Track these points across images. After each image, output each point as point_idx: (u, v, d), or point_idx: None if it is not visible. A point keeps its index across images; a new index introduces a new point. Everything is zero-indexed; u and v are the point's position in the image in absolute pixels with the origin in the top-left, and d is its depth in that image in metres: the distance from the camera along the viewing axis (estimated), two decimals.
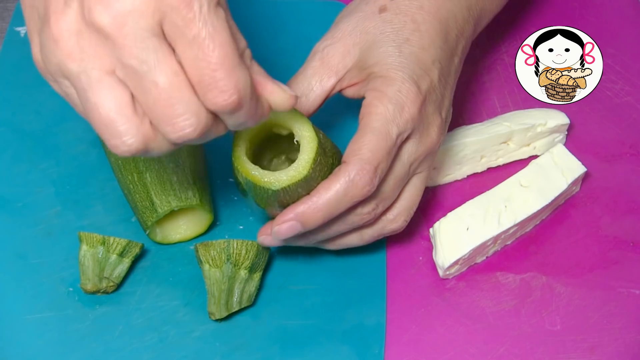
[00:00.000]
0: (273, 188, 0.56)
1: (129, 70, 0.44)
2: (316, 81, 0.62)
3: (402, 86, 0.58)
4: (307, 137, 0.57)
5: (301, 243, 0.62)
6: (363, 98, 0.60)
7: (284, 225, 0.57)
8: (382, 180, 0.58)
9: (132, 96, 0.45)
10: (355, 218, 0.59)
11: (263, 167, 0.57)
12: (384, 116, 0.57)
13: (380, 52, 0.60)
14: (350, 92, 0.63)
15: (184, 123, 0.45)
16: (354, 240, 0.63)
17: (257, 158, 0.61)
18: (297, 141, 0.57)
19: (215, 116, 0.47)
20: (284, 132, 0.59)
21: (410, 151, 0.59)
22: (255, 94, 0.48)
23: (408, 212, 0.62)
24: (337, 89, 0.63)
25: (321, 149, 0.57)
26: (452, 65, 0.62)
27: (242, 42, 0.47)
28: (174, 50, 0.44)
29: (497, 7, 0.67)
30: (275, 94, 0.50)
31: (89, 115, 0.46)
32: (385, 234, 0.63)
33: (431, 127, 0.60)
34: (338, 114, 0.73)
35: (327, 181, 0.57)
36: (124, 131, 0.45)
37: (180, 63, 0.45)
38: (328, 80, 0.62)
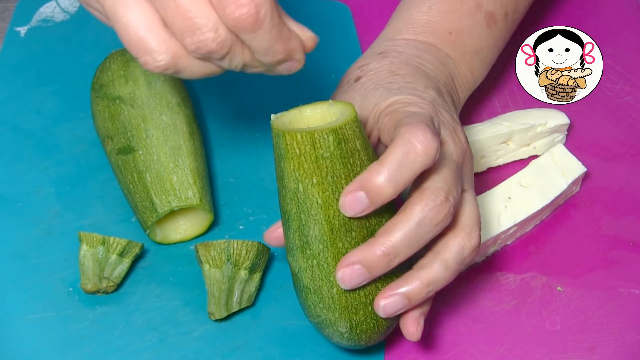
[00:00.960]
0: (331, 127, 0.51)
1: None
2: None
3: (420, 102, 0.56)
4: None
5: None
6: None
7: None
8: (431, 171, 0.54)
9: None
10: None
11: None
12: (447, 161, 0.54)
13: (375, 97, 0.58)
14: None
15: (203, 35, 0.45)
16: (438, 271, 0.55)
17: None
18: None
19: (237, 36, 0.46)
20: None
21: (451, 151, 0.55)
22: (277, 17, 0.46)
23: (477, 226, 0.55)
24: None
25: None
26: (444, 101, 0.61)
27: None
28: None
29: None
30: (299, 30, 0.49)
31: (120, 35, 0.46)
32: (468, 257, 0.55)
33: (457, 130, 0.57)
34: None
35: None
36: (154, 47, 0.46)
37: None
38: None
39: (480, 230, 0.55)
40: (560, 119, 0.70)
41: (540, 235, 0.69)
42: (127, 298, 0.65)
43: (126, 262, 0.65)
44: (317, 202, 0.52)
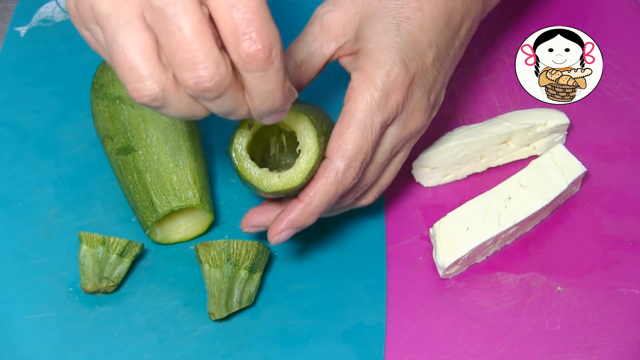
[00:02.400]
0: (265, 190, 0.57)
1: (156, 12, 0.44)
2: (316, 47, 0.61)
3: (391, 70, 0.57)
4: (308, 146, 0.56)
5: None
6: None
7: (282, 235, 0.59)
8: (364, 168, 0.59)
9: (158, 45, 0.46)
10: (342, 201, 0.61)
11: (264, 154, 0.58)
12: (369, 105, 0.56)
13: (378, 26, 0.58)
14: (345, 62, 0.62)
15: (203, 71, 0.45)
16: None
17: (258, 141, 0.60)
18: (298, 150, 0.57)
19: (236, 76, 0.47)
20: (288, 130, 0.59)
21: (392, 136, 0.59)
22: (284, 61, 0.47)
23: (380, 189, 0.63)
24: (336, 56, 0.62)
25: (320, 157, 0.57)
26: (452, 48, 0.61)
27: None
28: (202, 1, 0.45)
29: None
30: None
31: (114, 59, 0.46)
32: (353, 205, 0.63)
33: (416, 111, 0.59)
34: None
35: (315, 182, 0.57)
36: (146, 75, 0.45)
37: (210, 14, 0.45)
38: (328, 46, 0.61)
39: (380, 193, 0.63)
40: (560, 119, 0.70)
41: (540, 235, 0.69)
42: (127, 298, 0.65)
43: (126, 262, 0.65)
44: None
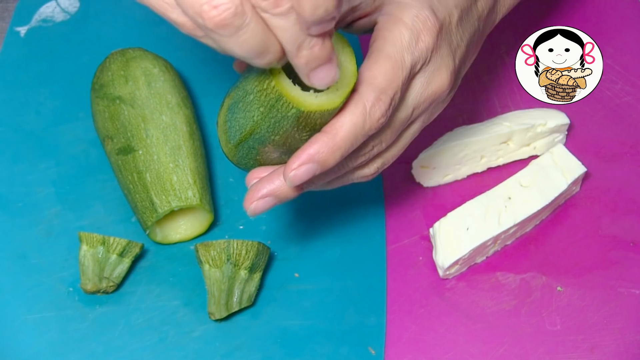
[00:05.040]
0: (300, 108, 0.49)
1: None
2: None
3: (421, 13, 0.53)
4: (347, 70, 0.50)
5: (296, 194, 0.56)
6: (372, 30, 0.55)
7: (302, 169, 0.51)
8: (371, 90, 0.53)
9: None
10: (355, 159, 0.55)
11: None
12: (399, 42, 0.52)
13: None
14: (362, 24, 0.57)
15: None
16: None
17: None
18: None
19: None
20: None
21: (416, 91, 0.54)
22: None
23: (385, 162, 0.57)
24: (349, 19, 0.58)
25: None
26: (472, 18, 0.57)
27: None
28: None
29: None
30: None
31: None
32: (358, 179, 0.57)
33: (443, 68, 0.55)
34: None
35: (343, 114, 0.51)
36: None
37: None
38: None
39: (384, 167, 0.56)
40: (560, 119, 0.70)
41: (540, 235, 0.69)
42: (127, 298, 0.65)
43: (126, 262, 0.65)
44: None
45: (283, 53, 0.45)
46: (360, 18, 0.57)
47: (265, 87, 0.49)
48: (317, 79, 0.46)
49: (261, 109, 0.50)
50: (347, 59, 0.50)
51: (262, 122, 0.51)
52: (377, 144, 0.54)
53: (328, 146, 0.51)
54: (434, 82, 0.54)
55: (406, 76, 0.52)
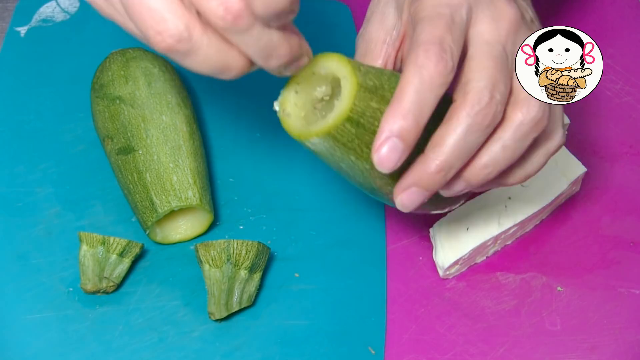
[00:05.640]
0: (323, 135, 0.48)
1: None
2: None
3: None
4: (343, 75, 0.49)
5: (459, 192, 0.52)
6: None
7: (383, 148, 0.47)
8: (472, 65, 0.50)
9: None
10: (470, 116, 0.49)
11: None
12: (431, 3, 0.50)
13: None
14: (407, 45, 0.56)
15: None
16: (498, 155, 0.50)
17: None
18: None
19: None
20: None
21: (488, 31, 0.51)
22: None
23: (530, 100, 0.51)
24: (397, 57, 0.57)
25: (359, 84, 0.49)
26: None
27: None
28: None
29: None
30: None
31: (129, 6, 0.42)
32: (529, 131, 0.50)
33: (496, 2, 0.52)
34: None
35: (401, 84, 0.48)
36: (168, 15, 0.41)
37: None
38: (383, 60, 0.57)
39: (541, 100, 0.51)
40: None
41: (540, 235, 0.69)
42: (127, 298, 0.65)
43: (126, 262, 0.65)
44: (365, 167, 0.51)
45: (249, 64, 0.45)
46: (401, 44, 0.57)
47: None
48: (290, 71, 0.47)
49: (343, 165, 0.51)
50: (342, 68, 0.50)
51: (354, 171, 0.52)
52: (489, 86, 0.49)
53: (395, 113, 0.47)
54: (499, 14, 0.52)
55: (448, 21, 0.49)
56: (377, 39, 0.57)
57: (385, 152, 0.47)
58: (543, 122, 0.51)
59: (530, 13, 0.56)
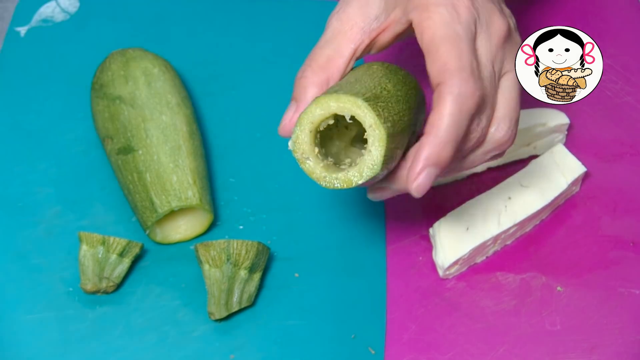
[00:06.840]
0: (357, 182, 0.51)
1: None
2: (345, 49, 0.58)
3: None
4: (374, 134, 0.50)
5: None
6: (395, 39, 0.57)
7: (421, 177, 0.51)
8: None
9: None
10: (467, 141, 0.54)
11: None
12: (443, 21, 0.53)
13: None
14: (384, 37, 0.58)
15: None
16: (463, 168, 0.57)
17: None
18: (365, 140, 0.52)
19: None
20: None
21: (484, 48, 0.54)
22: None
23: (508, 118, 0.55)
24: (369, 47, 0.59)
25: (391, 137, 0.51)
26: None
27: None
28: None
29: None
30: None
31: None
32: (491, 150, 0.56)
33: (491, 14, 0.55)
34: None
35: (436, 110, 0.51)
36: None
37: None
38: (355, 45, 0.58)
39: (513, 121, 0.55)
40: (560, 119, 0.70)
41: (540, 235, 0.69)
42: (127, 298, 0.65)
43: (126, 262, 0.65)
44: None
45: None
46: (377, 35, 0.58)
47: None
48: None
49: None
50: (369, 117, 0.50)
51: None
52: (480, 114, 0.54)
53: (436, 144, 0.51)
54: (492, 30, 0.55)
55: (468, 43, 0.53)
56: (354, 24, 0.58)
57: (422, 180, 0.52)
58: (506, 143, 0.56)
59: (513, 20, 0.58)
